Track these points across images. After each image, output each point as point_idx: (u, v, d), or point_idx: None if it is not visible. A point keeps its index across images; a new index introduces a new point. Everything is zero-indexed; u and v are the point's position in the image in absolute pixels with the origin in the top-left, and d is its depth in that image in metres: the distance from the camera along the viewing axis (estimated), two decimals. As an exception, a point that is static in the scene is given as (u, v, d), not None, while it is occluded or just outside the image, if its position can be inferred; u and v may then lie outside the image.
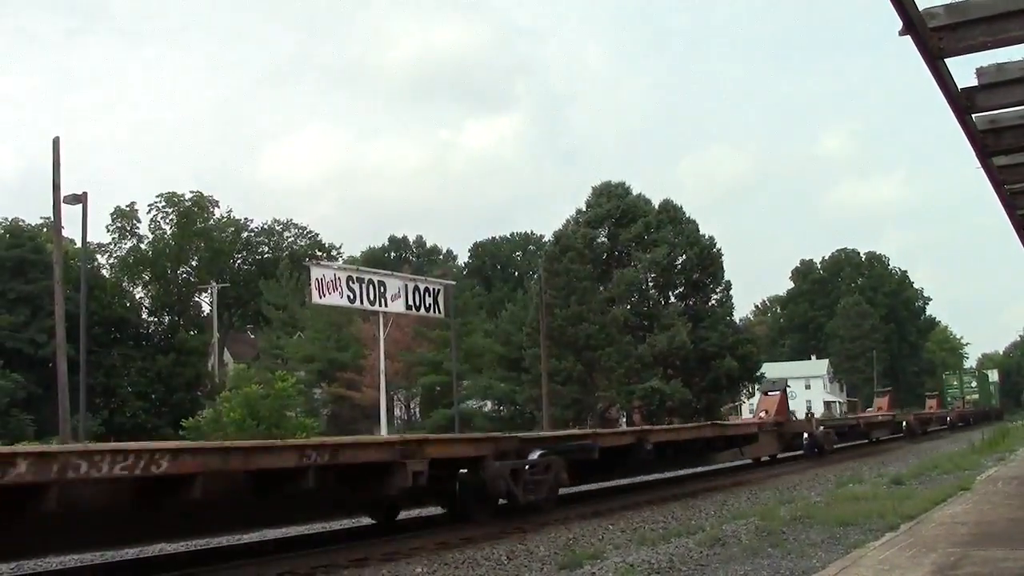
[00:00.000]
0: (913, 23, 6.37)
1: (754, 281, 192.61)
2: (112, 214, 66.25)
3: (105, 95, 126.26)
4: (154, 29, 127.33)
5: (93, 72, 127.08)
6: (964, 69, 7.54)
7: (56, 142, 28.48)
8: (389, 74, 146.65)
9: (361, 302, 27.65)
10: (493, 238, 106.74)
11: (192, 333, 64.99)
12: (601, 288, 57.17)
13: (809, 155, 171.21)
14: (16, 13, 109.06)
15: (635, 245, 57.81)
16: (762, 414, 24.63)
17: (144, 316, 64.07)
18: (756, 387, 66.35)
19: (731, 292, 60.31)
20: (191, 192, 68.72)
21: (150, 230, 67.74)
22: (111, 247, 67.47)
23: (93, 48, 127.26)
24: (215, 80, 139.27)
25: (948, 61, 7.14)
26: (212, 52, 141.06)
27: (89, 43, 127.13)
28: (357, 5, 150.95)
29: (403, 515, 13.23)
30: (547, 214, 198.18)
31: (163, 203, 67.26)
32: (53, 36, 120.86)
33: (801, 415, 38.27)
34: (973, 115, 8.29)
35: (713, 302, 59.03)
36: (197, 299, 73.03)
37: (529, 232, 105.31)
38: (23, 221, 58.78)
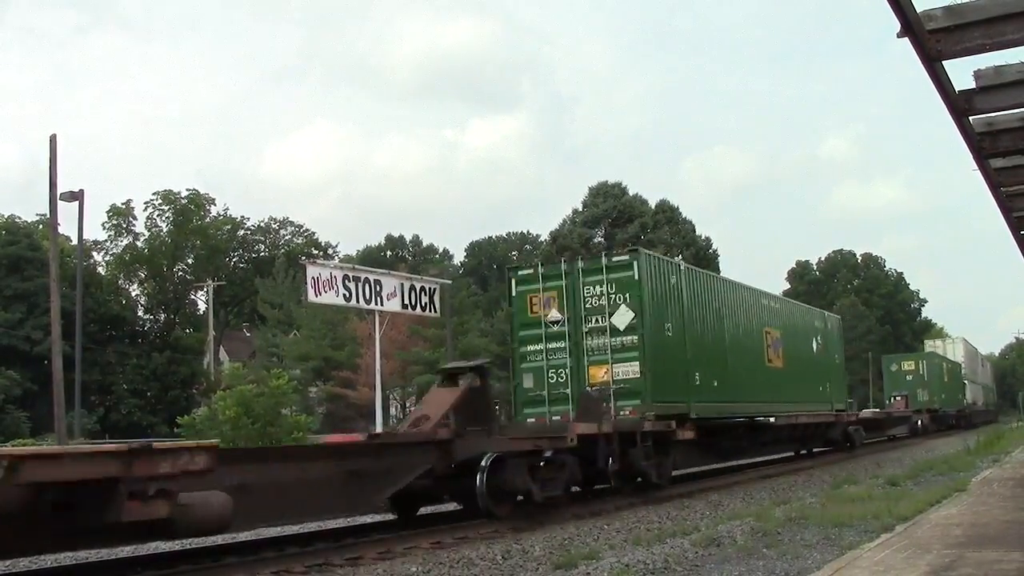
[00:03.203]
0: (911, 25, 6.38)
1: (751, 282, 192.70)
2: (108, 212, 66.17)
3: (110, 91, 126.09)
4: (161, 25, 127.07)
5: (99, 68, 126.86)
6: (962, 71, 7.56)
7: (53, 140, 28.39)
8: (395, 72, 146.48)
9: (357, 301, 27.66)
10: (489, 237, 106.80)
11: (188, 331, 64.91)
12: (597, 288, 57.23)
13: (812, 157, 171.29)
14: (22, 8, 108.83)
15: (632, 245, 57.98)
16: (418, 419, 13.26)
17: (140, 314, 63.96)
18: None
19: (727, 293, 60.50)
20: (188, 190, 68.67)
21: (146, 227, 67.67)
22: (107, 244, 67.40)
23: (100, 44, 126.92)
24: (219, 77, 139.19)
25: (946, 63, 7.15)
26: (217, 48, 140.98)
27: (96, 39, 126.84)
28: (365, 3, 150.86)
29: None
30: (549, 215, 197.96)
31: (159, 201, 67.18)
32: (60, 32, 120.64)
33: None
34: (970, 117, 8.30)
35: (709, 303, 59.20)
36: (193, 297, 72.95)
37: (526, 232, 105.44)
38: (19, 218, 58.73)
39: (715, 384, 19.44)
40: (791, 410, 23.81)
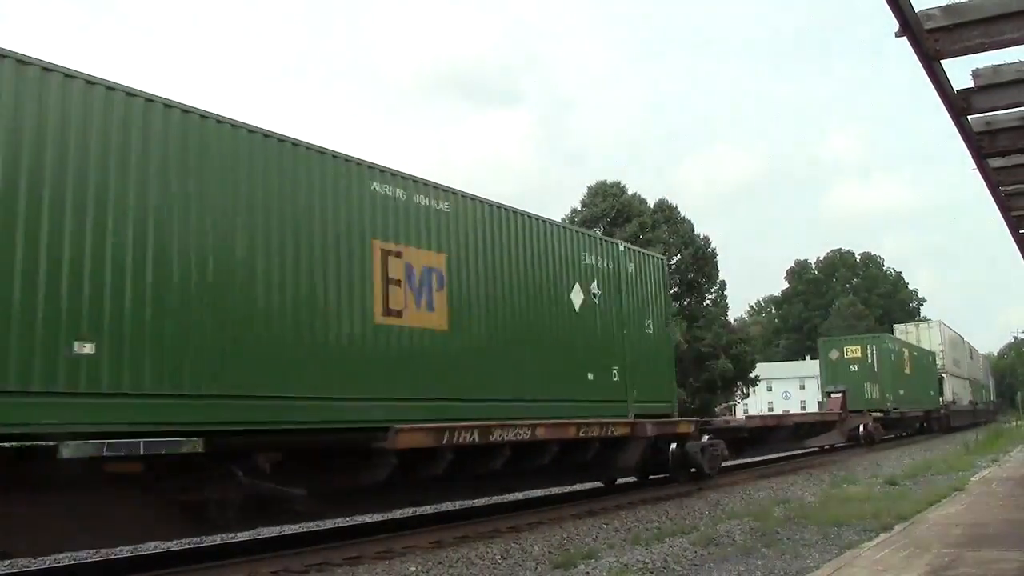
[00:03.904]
0: (909, 24, 6.38)
1: (750, 281, 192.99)
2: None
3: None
4: (162, 22, 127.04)
5: (100, 66, 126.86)
6: (961, 71, 7.57)
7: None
8: (395, 70, 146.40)
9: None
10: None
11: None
12: (596, 287, 57.12)
13: (812, 157, 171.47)
14: (24, 6, 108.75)
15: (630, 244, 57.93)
16: None
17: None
18: (752, 387, 66.49)
19: (726, 292, 60.45)
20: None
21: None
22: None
23: (99, 41, 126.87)
24: (221, 74, 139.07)
25: (945, 63, 7.15)
26: (219, 46, 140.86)
27: (96, 35, 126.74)
28: (366, 1, 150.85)
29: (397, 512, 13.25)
30: (549, 214, 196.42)
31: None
32: (61, 29, 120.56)
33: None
34: (969, 117, 8.30)
35: (708, 302, 59.12)
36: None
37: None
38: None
39: (81, 351, 7.58)
40: (465, 416, 11.45)
